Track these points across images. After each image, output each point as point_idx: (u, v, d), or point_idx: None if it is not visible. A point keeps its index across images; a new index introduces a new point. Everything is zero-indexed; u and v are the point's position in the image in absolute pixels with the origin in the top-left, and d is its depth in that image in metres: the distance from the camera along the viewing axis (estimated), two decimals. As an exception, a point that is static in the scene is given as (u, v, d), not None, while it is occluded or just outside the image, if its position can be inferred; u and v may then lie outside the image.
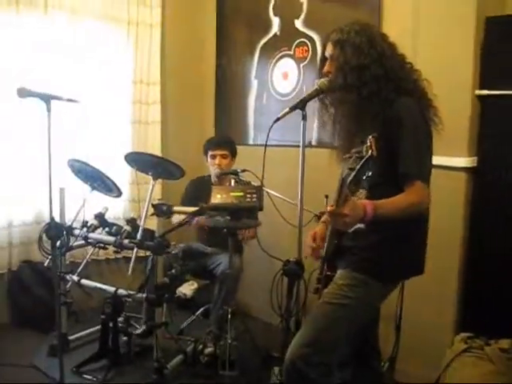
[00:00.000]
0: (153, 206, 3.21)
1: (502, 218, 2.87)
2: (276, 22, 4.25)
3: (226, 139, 3.98)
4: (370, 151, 1.63)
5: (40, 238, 3.06)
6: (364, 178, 1.71)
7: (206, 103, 4.93)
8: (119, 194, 3.44)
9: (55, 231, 2.76)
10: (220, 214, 3.09)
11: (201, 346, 3.38)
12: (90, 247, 3.34)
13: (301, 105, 2.19)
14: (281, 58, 4.21)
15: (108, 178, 3.31)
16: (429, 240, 2.14)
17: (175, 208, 3.24)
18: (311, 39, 3.94)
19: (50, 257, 3.04)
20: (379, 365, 2.59)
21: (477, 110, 2.92)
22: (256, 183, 3.03)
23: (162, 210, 3.18)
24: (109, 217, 3.48)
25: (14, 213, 3.95)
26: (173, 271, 3.10)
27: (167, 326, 3.22)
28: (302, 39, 4.01)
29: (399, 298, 2.93)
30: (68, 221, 3.32)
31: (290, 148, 3.71)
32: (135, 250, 3.08)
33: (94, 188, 3.42)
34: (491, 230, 2.91)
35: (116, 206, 4.32)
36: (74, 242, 3.26)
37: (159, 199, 3.44)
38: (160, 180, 3.88)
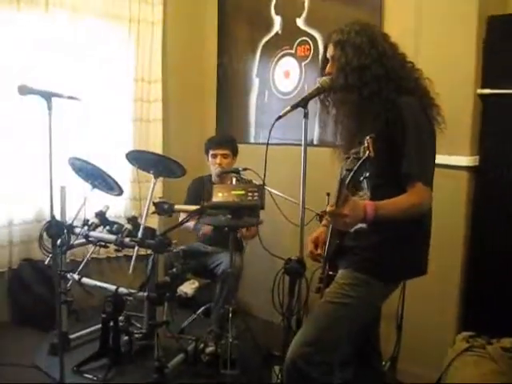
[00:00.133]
0: (154, 204, 3.21)
1: (504, 217, 2.88)
2: (278, 20, 4.25)
3: (228, 138, 3.98)
4: (367, 152, 1.64)
5: (41, 237, 3.06)
6: (361, 178, 1.71)
7: (208, 101, 4.93)
8: (120, 192, 3.45)
9: (56, 229, 2.76)
10: (221, 213, 3.09)
11: (202, 345, 3.38)
12: (90, 245, 3.34)
13: (302, 103, 2.18)
14: (282, 56, 4.22)
15: (109, 177, 3.31)
16: (432, 239, 2.15)
17: (176, 206, 3.25)
18: (313, 38, 3.95)
19: (50, 255, 3.04)
20: (380, 364, 2.59)
21: (479, 108, 2.93)
22: (257, 182, 3.03)
23: (163, 209, 3.18)
24: (110, 215, 3.48)
25: (15, 211, 3.95)
26: (174, 270, 3.10)
27: (168, 325, 3.22)
28: (304, 38, 4.02)
29: (401, 297, 2.93)
30: (69, 219, 3.32)
31: (291, 146, 3.72)
32: (136, 248, 3.08)
33: (94, 186, 3.42)
34: (493, 228, 2.92)
35: (117, 205, 4.32)
36: (74, 241, 3.26)
37: (160, 197, 3.44)
38: (161, 178, 3.88)
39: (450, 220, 2.89)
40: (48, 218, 2.74)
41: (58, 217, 3.09)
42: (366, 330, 2.25)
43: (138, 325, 3.58)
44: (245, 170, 3.29)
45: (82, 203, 3.34)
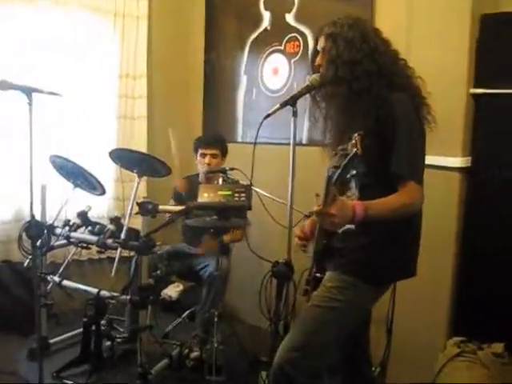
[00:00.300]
0: (138, 204, 3.20)
1: (496, 218, 2.90)
2: (267, 16, 4.26)
3: (218, 138, 3.97)
4: (354, 149, 1.65)
5: (20, 237, 3.05)
6: (349, 176, 1.72)
7: (194, 98, 4.92)
8: (103, 191, 3.43)
9: (36, 230, 2.75)
10: (207, 214, 3.09)
11: (186, 350, 3.38)
12: (72, 247, 3.32)
13: (291, 101, 2.19)
14: (271, 53, 4.22)
15: (91, 175, 3.29)
16: (422, 241, 2.16)
17: (161, 207, 3.24)
18: (303, 34, 3.96)
19: (30, 257, 3.02)
20: (370, 371, 2.60)
21: (471, 108, 2.95)
22: (244, 182, 3.03)
23: (147, 209, 3.18)
24: (92, 215, 3.47)
25: (-7, 210, 3.93)
26: (158, 272, 3.10)
27: (152, 330, 3.21)
28: (294, 34, 4.03)
29: (391, 301, 2.94)
30: (49, 219, 3.31)
31: (279, 146, 3.72)
32: (119, 250, 3.07)
33: (76, 185, 3.40)
34: (485, 230, 2.94)
35: (99, 205, 4.31)
36: (55, 242, 3.24)
37: (144, 197, 3.43)
38: (145, 178, 3.87)
39: (441, 221, 2.91)
40: (27, 218, 2.73)
41: (38, 217, 3.08)
42: (355, 333, 2.26)
43: (121, 329, 3.56)
44: (232, 169, 3.29)
45: (63, 203, 3.33)
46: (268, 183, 3.15)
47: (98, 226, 3.24)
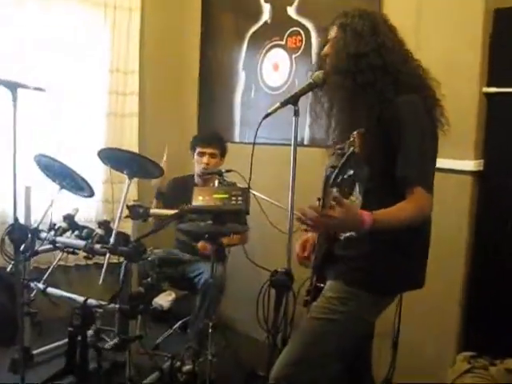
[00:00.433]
0: (128, 207, 3.19)
1: (511, 225, 2.88)
2: (267, 8, 4.26)
3: (218, 136, 3.96)
4: (351, 148, 1.64)
5: (2, 241, 3.04)
6: (345, 176, 1.70)
7: (189, 95, 4.92)
8: (91, 193, 3.42)
9: (19, 234, 2.74)
10: (202, 218, 3.08)
11: (178, 363, 3.37)
12: (57, 252, 3.31)
13: (293, 99, 2.18)
14: (271, 48, 4.22)
15: (79, 176, 3.28)
16: (431, 249, 2.14)
17: (152, 210, 3.23)
18: (305, 28, 3.95)
19: (12, 262, 3.02)
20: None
21: (484, 108, 2.94)
22: (242, 184, 3.03)
23: (137, 213, 3.17)
24: (79, 219, 3.44)
25: (-26, 213, 3.92)
26: (148, 280, 3.08)
27: (141, 340, 3.20)
28: (295, 28, 4.02)
29: (396, 313, 2.91)
30: (34, 222, 3.30)
31: (279, 146, 3.71)
32: (107, 255, 3.06)
33: (63, 186, 3.38)
34: (498, 238, 2.92)
35: (87, 207, 4.31)
36: (39, 246, 3.23)
37: (135, 200, 3.43)
38: (136, 179, 3.86)
39: (451, 228, 2.90)
40: (11, 221, 2.72)
41: (21, 220, 3.07)
42: (357, 348, 2.24)
43: (109, 340, 3.54)
44: (228, 171, 3.28)
45: (49, 205, 3.31)
46: (267, 186, 3.14)
47: (85, 230, 3.22)
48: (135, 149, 4.49)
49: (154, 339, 3.73)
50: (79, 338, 3.15)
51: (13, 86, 2.51)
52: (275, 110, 2.20)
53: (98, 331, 3.29)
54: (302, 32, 3.98)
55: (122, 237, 3.15)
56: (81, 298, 3.13)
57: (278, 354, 2.13)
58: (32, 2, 4.02)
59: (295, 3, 4.02)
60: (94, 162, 3.72)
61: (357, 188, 2.00)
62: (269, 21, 4.25)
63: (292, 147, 2.24)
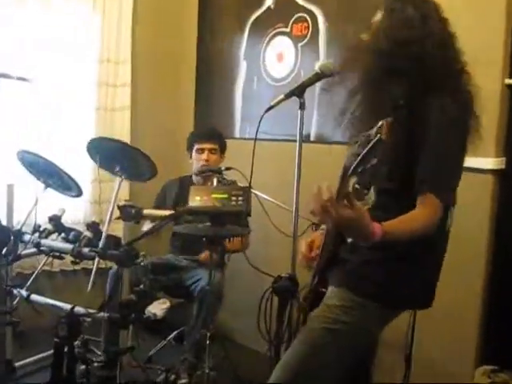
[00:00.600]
0: (119, 208, 3.19)
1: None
2: (270, -8, 4.26)
3: (217, 131, 3.98)
4: (378, 135, 1.62)
5: (-18, 244, 3.03)
6: (368, 166, 1.67)
7: (185, 87, 4.92)
8: (79, 193, 3.41)
9: (1, 236, 2.73)
10: (199, 220, 3.07)
11: (173, 377, 3.37)
12: (42, 256, 3.30)
13: (298, 91, 2.18)
14: (275, 35, 4.22)
15: (66, 174, 3.27)
16: (448, 255, 2.13)
17: (145, 211, 3.22)
18: (312, 14, 3.94)
19: (-7, 267, 3.02)
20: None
21: (507, 101, 2.92)
22: (242, 183, 3.02)
23: (129, 214, 3.16)
24: (66, 220, 3.44)
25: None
26: (141, 287, 3.07)
27: (133, 352, 3.19)
28: (301, 14, 4.01)
29: (410, 323, 2.92)
30: (17, 223, 3.30)
31: (282, 143, 3.71)
32: (97, 260, 3.06)
33: (48, 185, 3.38)
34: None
35: (75, 208, 4.32)
36: (23, 250, 3.22)
37: (126, 200, 3.42)
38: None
39: (470, 233, 2.89)
40: (-9, 223, 2.71)
41: (3, 221, 3.06)
42: (359, 358, 2.23)
43: (98, 351, 3.54)
44: (228, 169, 3.28)
45: (33, 205, 3.31)
46: (269, 185, 3.14)
47: (72, 233, 3.21)
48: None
49: (147, 351, 3.74)
50: (66, 349, 3.14)
51: (-6, 76, 2.51)
52: (279, 103, 2.19)
53: (85, 342, 3.27)
54: (308, 18, 3.96)
55: (113, 240, 3.14)
56: (67, 306, 3.11)
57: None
58: (33, 2, 4.02)
59: (301, -13, 4.02)
60: (82, 160, 3.71)
61: (372, 190, 1.99)
62: (272, 6, 4.24)
63: (297, 143, 2.23)
